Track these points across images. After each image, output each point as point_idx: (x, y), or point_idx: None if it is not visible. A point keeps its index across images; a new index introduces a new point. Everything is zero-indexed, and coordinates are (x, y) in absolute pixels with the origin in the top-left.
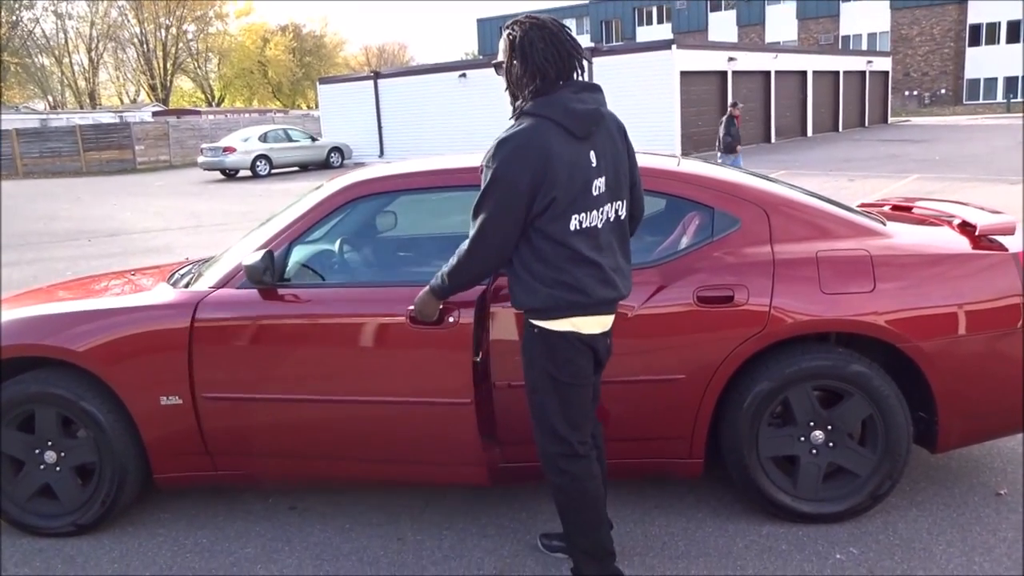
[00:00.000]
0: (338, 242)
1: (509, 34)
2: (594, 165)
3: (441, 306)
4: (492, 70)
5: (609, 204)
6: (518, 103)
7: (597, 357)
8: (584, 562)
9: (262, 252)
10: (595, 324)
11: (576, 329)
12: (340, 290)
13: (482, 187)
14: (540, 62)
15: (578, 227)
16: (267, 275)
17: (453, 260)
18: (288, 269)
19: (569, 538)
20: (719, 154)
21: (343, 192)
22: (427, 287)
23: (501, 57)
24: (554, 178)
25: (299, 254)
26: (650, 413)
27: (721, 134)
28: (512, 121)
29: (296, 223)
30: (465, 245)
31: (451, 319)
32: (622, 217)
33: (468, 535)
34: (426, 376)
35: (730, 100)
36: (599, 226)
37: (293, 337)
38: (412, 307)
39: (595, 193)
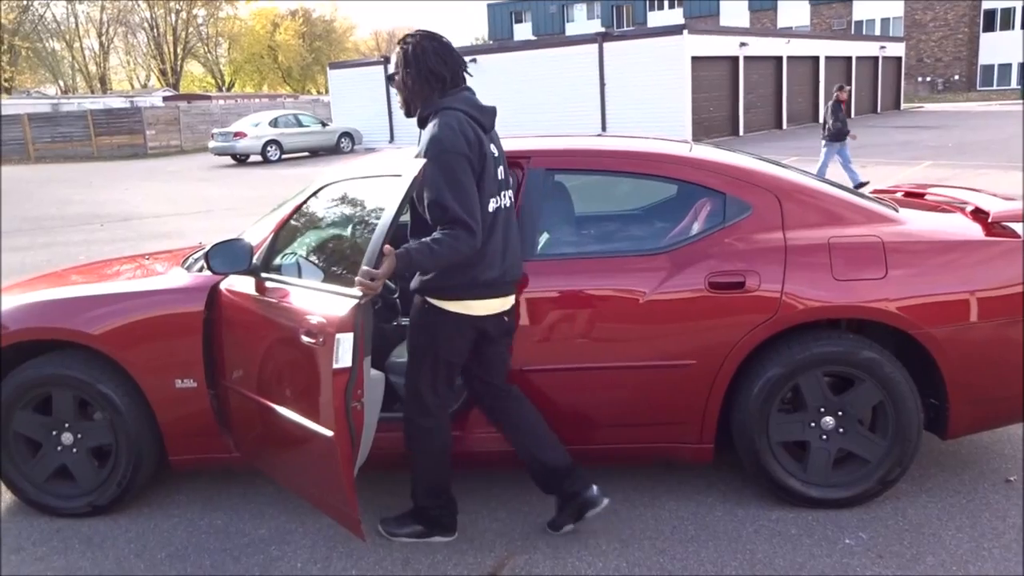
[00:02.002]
0: (318, 234)
1: (402, 47)
2: (495, 155)
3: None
4: (503, 55)
5: (506, 191)
6: (420, 110)
7: (488, 336)
8: (423, 496)
9: (214, 242)
10: (484, 307)
11: (466, 311)
12: (276, 287)
13: (433, 177)
14: (436, 67)
15: (494, 208)
16: (217, 263)
17: (439, 239)
18: (279, 258)
19: (415, 475)
20: (824, 143)
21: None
22: (394, 253)
23: (394, 69)
24: (482, 158)
25: (294, 245)
26: (661, 398)
27: (830, 122)
28: (420, 128)
29: (281, 213)
30: (454, 228)
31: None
32: (512, 204)
33: (479, 518)
34: (297, 394)
35: (836, 84)
36: (503, 208)
37: (244, 328)
38: (375, 270)
39: (499, 178)
